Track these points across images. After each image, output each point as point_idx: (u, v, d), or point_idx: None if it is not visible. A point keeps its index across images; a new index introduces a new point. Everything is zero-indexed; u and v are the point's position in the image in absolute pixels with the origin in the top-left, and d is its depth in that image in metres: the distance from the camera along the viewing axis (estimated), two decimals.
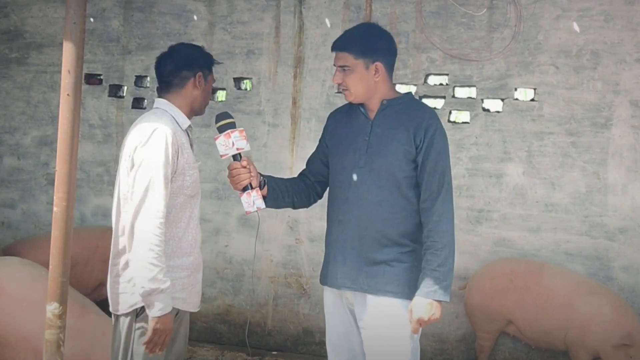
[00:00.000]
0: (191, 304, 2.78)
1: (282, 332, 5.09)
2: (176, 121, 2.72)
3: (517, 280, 4.32)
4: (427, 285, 2.65)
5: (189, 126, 2.79)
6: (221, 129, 2.73)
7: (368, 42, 2.77)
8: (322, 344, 5.03)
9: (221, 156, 2.74)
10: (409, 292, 2.72)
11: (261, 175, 2.85)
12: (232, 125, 2.74)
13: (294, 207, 3.04)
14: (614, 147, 4.50)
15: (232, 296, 5.17)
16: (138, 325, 2.66)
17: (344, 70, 2.77)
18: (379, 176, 2.74)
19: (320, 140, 3.03)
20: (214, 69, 2.90)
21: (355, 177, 2.78)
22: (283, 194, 2.93)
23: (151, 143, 2.58)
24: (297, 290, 5.06)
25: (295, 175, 3.10)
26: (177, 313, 2.74)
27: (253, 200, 2.74)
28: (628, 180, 4.47)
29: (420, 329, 2.73)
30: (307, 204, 3.05)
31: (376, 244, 2.75)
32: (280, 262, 5.09)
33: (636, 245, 4.45)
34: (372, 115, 2.82)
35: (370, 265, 2.76)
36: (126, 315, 2.68)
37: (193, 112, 2.83)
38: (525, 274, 4.35)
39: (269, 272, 5.10)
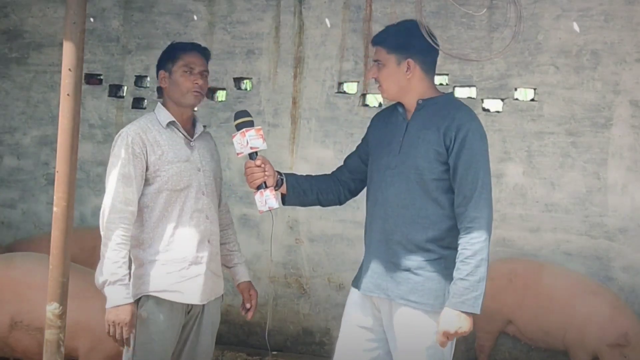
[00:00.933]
0: (191, 296, 2.81)
1: (282, 332, 5.09)
2: (158, 119, 2.86)
3: (517, 280, 4.32)
4: (455, 296, 2.53)
5: (172, 122, 2.85)
6: (238, 127, 2.74)
7: (402, 38, 2.71)
8: (322, 344, 5.06)
9: (237, 154, 2.75)
10: (434, 303, 2.61)
11: (280, 173, 2.82)
12: (249, 124, 2.73)
13: (322, 205, 2.99)
14: (614, 147, 4.49)
15: (232, 296, 5.16)
16: (138, 313, 2.77)
17: (378, 64, 2.73)
18: (408, 178, 2.65)
19: (362, 139, 2.97)
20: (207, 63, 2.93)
21: (385, 178, 2.72)
22: (306, 192, 2.88)
23: (114, 146, 2.78)
24: (297, 290, 5.06)
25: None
26: (190, 309, 2.85)
27: (265, 200, 2.71)
28: (628, 180, 4.47)
29: (451, 342, 2.62)
30: (336, 201, 2.97)
31: (401, 249, 2.66)
32: (280, 262, 5.08)
33: (636, 245, 4.45)
34: (409, 115, 2.75)
35: (394, 271, 2.66)
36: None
37: (179, 106, 2.88)
38: (525, 273, 4.35)
39: (269, 272, 5.10)
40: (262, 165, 2.72)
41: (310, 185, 2.91)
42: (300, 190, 2.87)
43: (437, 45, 2.72)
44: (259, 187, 2.72)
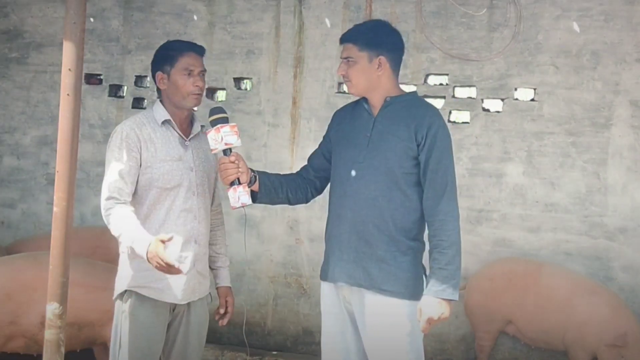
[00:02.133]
0: (171, 295, 2.81)
1: (282, 332, 5.09)
2: (154, 117, 2.85)
3: (517, 280, 4.32)
4: (435, 285, 2.64)
5: (167, 120, 2.84)
6: (213, 123, 2.75)
7: (374, 36, 2.79)
8: None
9: (211, 150, 2.77)
10: (405, 291, 2.72)
11: (253, 171, 2.85)
12: (224, 120, 2.75)
13: (290, 203, 3.03)
14: (614, 147, 4.50)
15: None
16: (123, 308, 2.81)
17: (348, 61, 2.79)
18: (378, 171, 2.74)
19: (324, 136, 3.04)
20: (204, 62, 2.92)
21: (354, 171, 2.78)
22: (277, 189, 2.93)
23: (110, 142, 2.78)
24: (297, 290, 5.06)
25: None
26: (174, 307, 2.86)
27: (238, 196, 2.73)
28: (628, 180, 4.47)
29: (419, 330, 2.72)
30: (304, 199, 3.04)
31: (372, 239, 2.75)
32: (280, 262, 5.09)
33: (636, 245, 4.45)
34: (375, 111, 2.83)
35: (366, 261, 2.75)
36: (116, 299, 2.85)
37: (178, 107, 2.87)
38: (525, 273, 4.35)
39: (269, 272, 5.10)
40: (236, 162, 2.74)
41: (281, 184, 2.95)
42: (271, 189, 2.91)
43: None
44: (232, 184, 2.74)
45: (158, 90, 2.91)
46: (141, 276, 2.77)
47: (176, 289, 2.81)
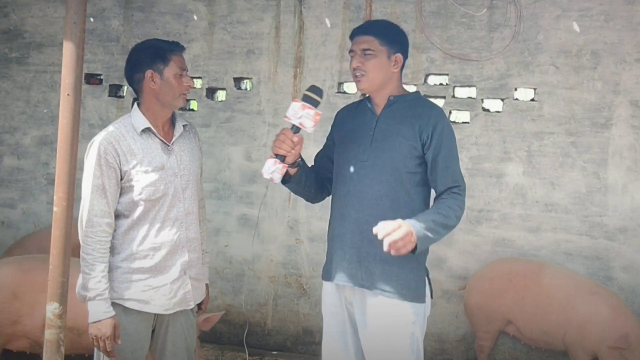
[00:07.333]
0: (157, 306, 2.77)
1: (282, 332, 5.09)
2: (133, 125, 2.76)
3: (517, 280, 4.32)
4: (414, 221, 2.58)
5: (147, 128, 2.75)
6: (305, 98, 2.73)
7: (394, 33, 2.82)
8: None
9: (284, 117, 2.74)
10: (407, 293, 2.71)
11: (302, 159, 2.86)
12: (314, 103, 2.72)
13: (309, 200, 3.04)
14: (614, 147, 4.50)
15: (232, 296, 5.17)
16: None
17: (366, 54, 2.76)
18: (382, 171, 2.73)
19: (328, 137, 3.04)
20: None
21: (357, 170, 2.78)
22: (305, 182, 2.93)
23: (87, 155, 2.72)
24: (297, 290, 5.07)
25: None
26: (154, 316, 2.81)
27: (273, 170, 2.72)
28: (628, 180, 4.47)
29: (419, 333, 2.73)
30: (320, 198, 3.05)
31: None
32: (280, 262, 5.09)
33: (636, 245, 4.45)
34: (378, 110, 2.83)
35: (369, 261, 2.74)
36: None
37: (165, 108, 2.79)
38: (525, 274, 4.35)
39: (269, 272, 5.10)
40: (294, 143, 2.74)
41: (313, 181, 2.96)
42: (304, 180, 2.91)
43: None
44: (277, 156, 2.73)
45: (137, 93, 2.80)
46: (124, 287, 2.73)
47: (159, 300, 2.77)
